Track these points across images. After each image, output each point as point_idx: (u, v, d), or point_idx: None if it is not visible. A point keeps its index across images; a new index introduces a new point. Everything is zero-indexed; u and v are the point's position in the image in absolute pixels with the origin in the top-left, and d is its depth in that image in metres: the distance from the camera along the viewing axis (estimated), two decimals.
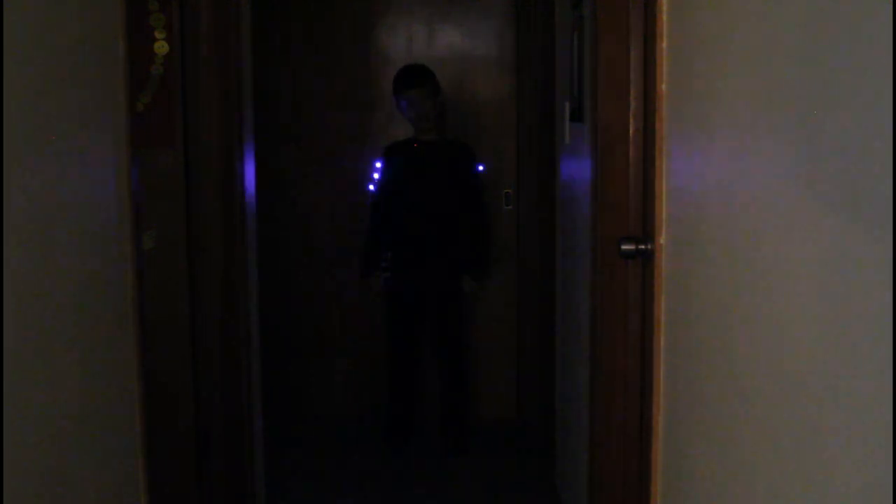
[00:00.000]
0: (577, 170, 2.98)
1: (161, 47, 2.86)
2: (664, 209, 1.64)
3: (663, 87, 1.63)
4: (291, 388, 4.71)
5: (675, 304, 1.59)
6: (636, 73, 2.30)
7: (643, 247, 2.20)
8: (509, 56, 4.61)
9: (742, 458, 1.21)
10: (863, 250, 0.82)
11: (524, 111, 4.56)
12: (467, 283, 4.22)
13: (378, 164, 4.32)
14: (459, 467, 4.12)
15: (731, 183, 1.25)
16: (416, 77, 4.15)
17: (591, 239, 2.51)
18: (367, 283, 4.26)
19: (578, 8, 2.87)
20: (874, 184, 0.79)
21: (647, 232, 2.27)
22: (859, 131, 0.83)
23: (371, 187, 4.44)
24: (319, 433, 4.53)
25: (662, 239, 1.65)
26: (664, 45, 1.63)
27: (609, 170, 2.39)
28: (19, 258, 1.36)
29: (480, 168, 4.38)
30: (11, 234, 1.33)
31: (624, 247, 2.21)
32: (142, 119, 2.82)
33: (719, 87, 1.31)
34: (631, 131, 2.32)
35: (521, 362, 4.67)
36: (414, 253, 4.18)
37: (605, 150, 2.40)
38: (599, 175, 2.42)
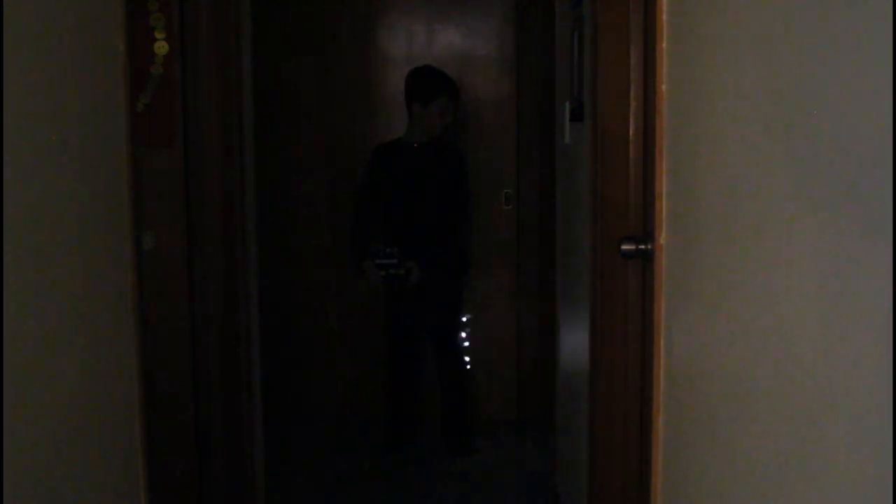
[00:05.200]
0: (577, 170, 2.98)
1: (161, 47, 2.86)
2: (664, 209, 1.64)
3: (663, 87, 1.63)
4: (291, 388, 4.71)
5: (675, 304, 1.59)
6: (636, 73, 2.30)
7: (643, 247, 2.20)
8: (509, 56, 4.61)
9: (743, 459, 1.21)
10: (863, 249, 0.82)
11: (524, 111, 4.56)
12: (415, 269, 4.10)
13: (368, 162, 4.25)
14: (459, 467, 4.12)
15: (732, 183, 1.25)
16: (457, 86, 4.20)
17: (591, 239, 2.51)
18: (362, 271, 4.16)
19: (578, 8, 2.87)
20: (874, 183, 0.79)
21: (647, 232, 2.26)
22: (859, 130, 0.83)
23: (353, 194, 4.31)
24: (319, 433, 4.53)
25: (662, 239, 1.65)
26: (664, 45, 1.63)
27: (609, 170, 2.39)
28: (19, 258, 1.36)
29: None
30: (11, 234, 1.33)
31: (624, 247, 2.21)
32: (142, 119, 2.82)
33: (719, 86, 1.31)
34: (631, 131, 2.32)
35: (521, 361, 4.67)
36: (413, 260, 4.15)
37: (605, 150, 2.40)
38: (599, 175, 2.42)
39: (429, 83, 4.12)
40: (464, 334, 4.56)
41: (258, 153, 3.44)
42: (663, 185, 1.64)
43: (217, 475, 3.14)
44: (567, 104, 3.15)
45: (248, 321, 3.18)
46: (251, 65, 3.26)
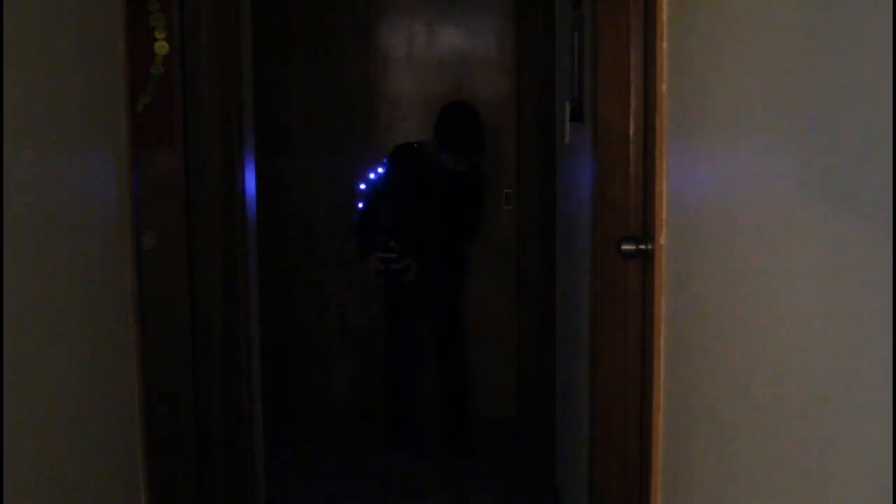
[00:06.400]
0: (577, 170, 2.98)
1: (161, 47, 2.86)
2: (664, 209, 1.64)
3: (663, 87, 1.63)
4: (291, 388, 4.71)
5: (675, 304, 1.59)
6: (636, 72, 2.30)
7: (643, 247, 2.20)
8: (509, 56, 4.61)
9: (742, 458, 1.21)
10: (863, 249, 0.82)
11: (524, 111, 4.56)
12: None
13: (384, 162, 4.25)
14: (460, 467, 4.12)
15: (731, 182, 1.25)
16: (475, 152, 4.09)
17: (591, 239, 2.51)
18: (366, 262, 4.20)
19: (578, 8, 2.87)
20: (874, 182, 0.79)
21: (647, 232, 2.26)
22: (859, 130, 0.83)
23: (364, 185, 4.31)
24: (319, 433, 4.53)
25: (662, 239, 1.65)
26: (664, 45, 1.63)
27: (609, 170, 2.39)
28: (19, 258, 1.36)
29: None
30: (12, 234, 1.32)
31: (624, 247, 2.21)
32: (142, 119, 2.82)
33: (719, 86, 1.31)
34: (631, 131, 2.32)
35: (521, 361, 4.67)
36: (412, 257, 4.15)
37: (605, 150, 2.40)
38: (599, 175, 2.42)
39: (446, 135, 4.04)
40: (463, 334, 4.55)
41: (258, 153, 3.44)
42: (663, 185, 1.65)
43: (217, 475, 3.14)
44: (567, 104, 3.15)
45: (248, 321, 3.18)
46: (251, 65, 3.25)
